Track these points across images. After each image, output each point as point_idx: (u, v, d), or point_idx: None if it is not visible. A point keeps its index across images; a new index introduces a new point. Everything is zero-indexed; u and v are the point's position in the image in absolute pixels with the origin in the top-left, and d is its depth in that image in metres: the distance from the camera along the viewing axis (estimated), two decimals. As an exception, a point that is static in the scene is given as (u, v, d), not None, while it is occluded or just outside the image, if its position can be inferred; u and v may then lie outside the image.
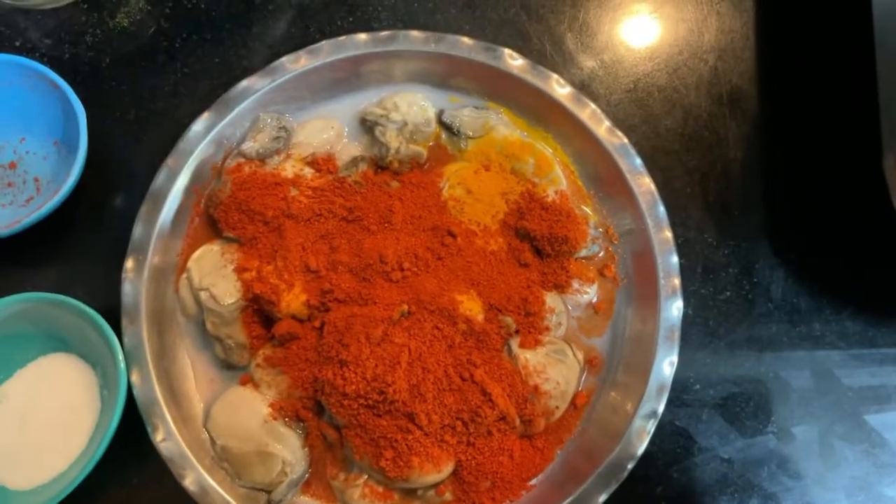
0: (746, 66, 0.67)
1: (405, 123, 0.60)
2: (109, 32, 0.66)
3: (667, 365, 0.55)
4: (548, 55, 0.67)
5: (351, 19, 0.67)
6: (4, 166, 0.61)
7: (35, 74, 0.58)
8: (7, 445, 0.53)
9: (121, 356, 0.52)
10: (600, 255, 0.60)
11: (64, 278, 0.59)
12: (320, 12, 0.67)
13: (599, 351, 0.58)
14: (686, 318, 0.58)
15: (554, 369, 0.55)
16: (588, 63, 0.67)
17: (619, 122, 0.61)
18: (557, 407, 0.55)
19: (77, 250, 0.61)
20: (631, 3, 0.69)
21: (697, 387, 0.60)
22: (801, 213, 0.64)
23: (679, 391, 0.59)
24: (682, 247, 0.60)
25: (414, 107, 0.61)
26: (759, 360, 0.61)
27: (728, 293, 0.62)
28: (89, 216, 0.61)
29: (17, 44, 0.65)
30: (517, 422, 0.53)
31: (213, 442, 0.54)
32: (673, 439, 0.58)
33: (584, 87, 0.65)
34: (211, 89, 0.61)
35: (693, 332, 0.61)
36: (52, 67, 0.58)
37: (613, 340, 0.58)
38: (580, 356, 0.57)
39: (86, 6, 0.66)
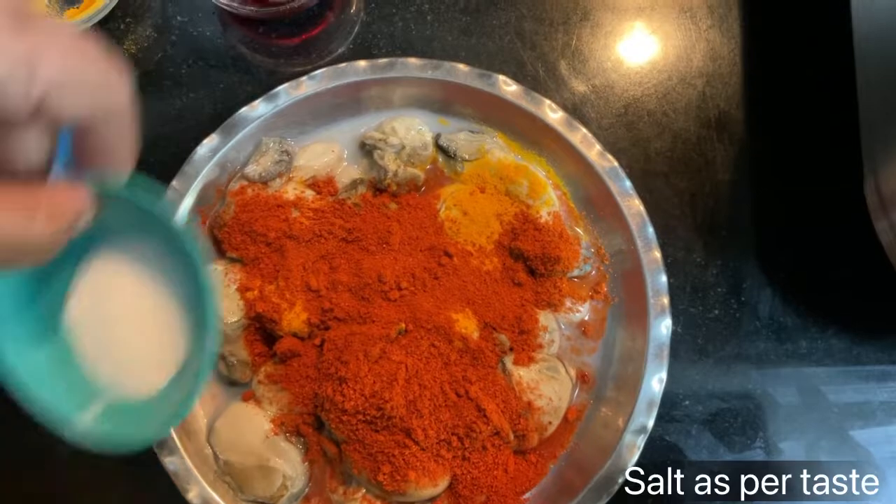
0: (733, 92, 0.69)
1: (403, 147, 0.62)
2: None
3: (656, 381, 0.57)
4: (541, 81, 0.69)
5: (351, 46, 0.69)
6: (16, 188, 0.62)
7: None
8: (105, 347, 0.40)
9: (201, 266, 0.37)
10: (592, 274, 0.62)
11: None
12: (321, 39, 0.69)
13: (591, 368, 0.60)
14: (675, 336, 0.59)
15: (547, 386, 0.56)
16: (580, 88, 0.69)
17: (609, 146, 0.62)
18: (550, 422, 0.56)
19: (85, 270, 0.62)
20: (621, 31, 0.71)
21: (687, 403, 0.61)
22: (788, 234, 0.66)
23: (669, 407, 0.60)
24: (672, 266, 0.62)
25: (412, 131, 0.63)
26: (747, 376, 0.62)
27: (716, 311, 0.64)
28: (97, 237, 0.63)
29: (29, 70, 0.67)
30: (511, 437, 0.55)
31: (216, 457, 0.55)
32: (663, 454, 0.60)
33: (576, 112, 0.67)
34: (215, 114, 0.63)
35: (682, 350, 0.62)
36: (63, 94, 0.59)
37: (604, 357, 0.60)
38: (572, 373, 0.58)
39: (96, 35, 0.68)
